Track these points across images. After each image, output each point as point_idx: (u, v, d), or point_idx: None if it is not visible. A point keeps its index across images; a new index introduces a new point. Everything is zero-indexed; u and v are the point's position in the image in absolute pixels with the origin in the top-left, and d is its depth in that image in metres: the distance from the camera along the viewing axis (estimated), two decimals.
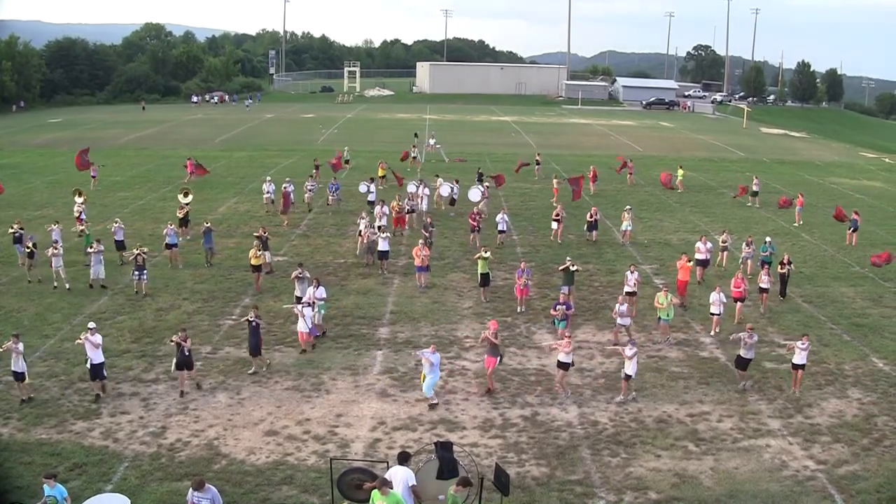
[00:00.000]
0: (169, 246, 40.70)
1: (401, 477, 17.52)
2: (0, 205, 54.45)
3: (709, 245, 40.07)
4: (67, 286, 36.33)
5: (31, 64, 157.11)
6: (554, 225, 47.41)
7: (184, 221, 45.33)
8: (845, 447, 23.27)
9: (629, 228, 46.78)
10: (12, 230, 39.34)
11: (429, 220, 45.27)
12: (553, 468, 21.69)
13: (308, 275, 32.90)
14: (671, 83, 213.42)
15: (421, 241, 38.92)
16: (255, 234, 40.83)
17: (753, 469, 21.91)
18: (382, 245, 40.37)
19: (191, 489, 17.45)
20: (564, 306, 30.56)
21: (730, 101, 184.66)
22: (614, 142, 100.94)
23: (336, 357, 29.13)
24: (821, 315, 35.18)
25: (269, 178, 56.63)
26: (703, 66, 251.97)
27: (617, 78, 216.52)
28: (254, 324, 27.24)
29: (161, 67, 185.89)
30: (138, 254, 35.43)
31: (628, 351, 25.85)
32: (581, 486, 20.80)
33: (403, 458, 17.92)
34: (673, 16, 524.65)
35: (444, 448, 18.67)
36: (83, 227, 42.14)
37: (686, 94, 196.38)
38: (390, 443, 22.95)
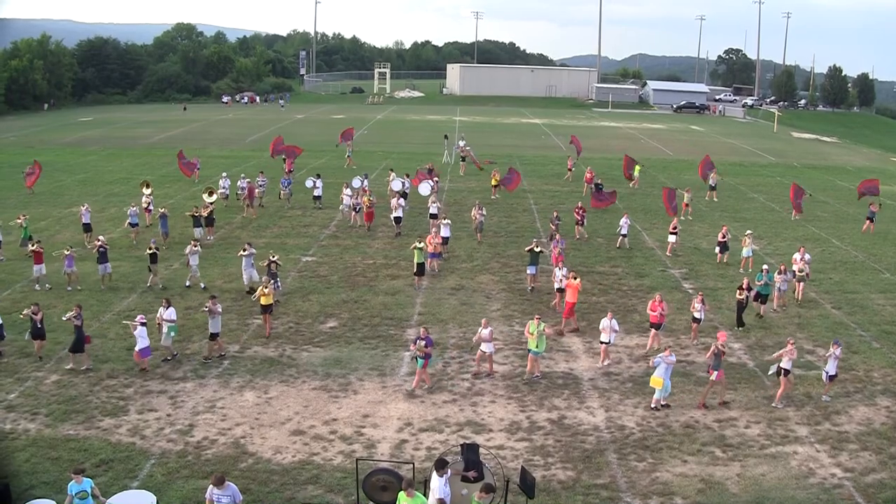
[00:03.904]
0: (132, 225, 44.97)
1: (434, 487, 17.39)
2: (31, 202, 55.10)
3: (808, 257, 39.04)
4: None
5: (63, 63, 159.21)
6: (671, 238, 45.57)
7: (209, 220, 45.56)
8: (873, 455, 23.04)
9: (751, 255, 42.21)
10: (99, 242, 37.18)
11: (555, 213, 47.17)
12: (579, 472, 21.61)
13: (220, 309, 29.12)
14: (702, 87, 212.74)
15: (433, 229, 42.06)
16: (187, 213, 45.02)
17: (780, 476, 21.75)
18: (445, 231, 42.66)
19: (210, 486, 17.50)
20: (424, 342, 26.19)
21: (760, 106, 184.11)
22: (644, 145, 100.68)
23: (364, 358, 29.18)
24: (850, 321, 34.88)
25: (225, 174, 59.23)
26: (734, 70, 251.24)
27: (647, 81, 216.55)
28: (76, 323, 27.13)
29: (192, 67, 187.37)
30: (273, 261, 34.91)
31: (837, 351, 26.24)
32: (607, 491, 20.72)
33: (440, 466, 17.49)
34: (704, 19, 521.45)
35: (470, 450, 18.66)
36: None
37: (717, 97, 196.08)
38: (417, 444, 22.96)
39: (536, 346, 27.60)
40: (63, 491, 18.06)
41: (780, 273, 36.06)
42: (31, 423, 23.53)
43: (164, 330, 28.43)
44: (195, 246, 36.94)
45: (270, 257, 35.35)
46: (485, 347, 27.86)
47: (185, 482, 20.51)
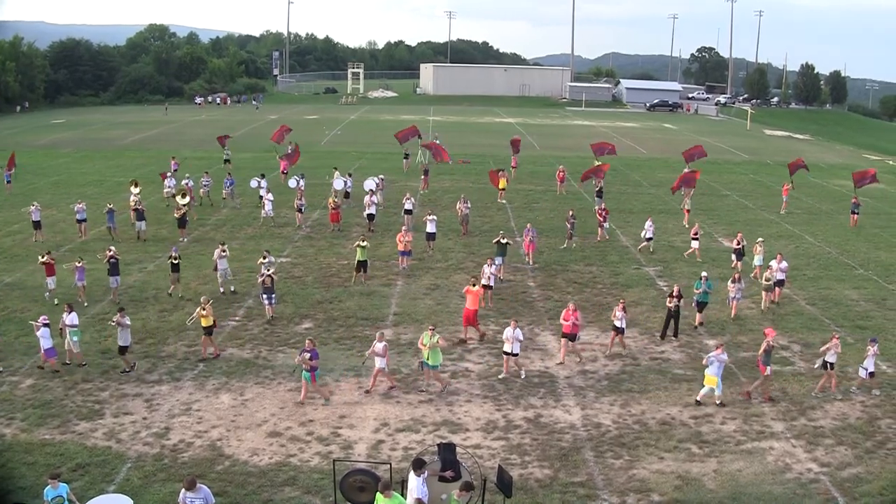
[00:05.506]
0: (79, 221, 46.77)
1: (412, 487, 17.38)
2: (3, 205, 54.70)
3: (784, 265, 36.86)
4: (232, 288, 36.98)
5: (35, 65, 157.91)
6: (694, 244, 44.03)
7: (181, 222, 45.43)
8: (849, 450, 23.20)
9: (760, 264, 39.85)
10: (110, 253, 35.81)
11: (570, 212, 47.48)
12: (556, 470, 21.65)
13: (129, 322, 27.77)
14: (675, 85, 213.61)
15: (404, 227, 43.29)
16: (131, 208, 46.52)
17: (757, 471, 21.85)
18: (430, 227, 43.51)
19: (182, 489, 17.39)
20: (310, 354, 25.00)
21: (733, 103, 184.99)
22: (617, 144, 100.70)
23: (339, 359, 29.10)
24: (824, 317, 35.08)
25: (169, 174, 59.54)
26: (707, 68, 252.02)
27: (620, 80, 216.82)
28: None
29: (165, 68, 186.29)
30: (268, 274, 33.64)
31: (875, 348, 26.75)
32: (584, 489, 20.76)
33: (418, 465, 17.47)
34: (676, 18, 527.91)
35: (447, 450, 18.65)
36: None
37: (690, 96, 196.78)
38: (393, 444, 22.94)
39: (430, 360, 26.29)
40: (39, 496, 17.94)
41: (733, 281, 34.75)
42: (6, 427, 23.35)
43: (67, 336, 27.89)
44: (224, 251, 36.58)
45: (265, 270, 34.36)
46: (378, 363, 26.16)
47: (161, 485, 20.41)
